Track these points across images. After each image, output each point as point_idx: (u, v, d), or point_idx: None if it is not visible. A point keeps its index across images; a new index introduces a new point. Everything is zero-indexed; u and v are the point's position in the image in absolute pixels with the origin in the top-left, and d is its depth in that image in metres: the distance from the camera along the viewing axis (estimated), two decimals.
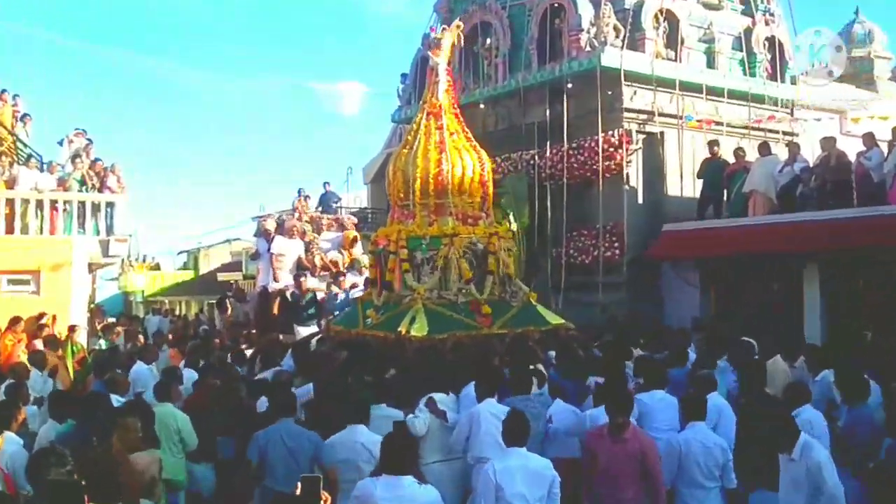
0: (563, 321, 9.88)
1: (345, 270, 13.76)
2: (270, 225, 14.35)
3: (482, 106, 17.07)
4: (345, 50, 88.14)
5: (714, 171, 14.76)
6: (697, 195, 15.04)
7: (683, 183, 15.33)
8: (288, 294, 13.44)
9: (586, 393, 7.53)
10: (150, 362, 10.17)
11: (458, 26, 10.65)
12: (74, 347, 12.47)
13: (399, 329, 8.79)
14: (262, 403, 7.26)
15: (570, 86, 15.26)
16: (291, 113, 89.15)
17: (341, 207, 23.14)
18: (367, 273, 12.64)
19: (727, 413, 6.94)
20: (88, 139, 17.45)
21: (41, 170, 16.40)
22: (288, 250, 13.87)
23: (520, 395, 6.90)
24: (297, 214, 16.46)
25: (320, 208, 20.40)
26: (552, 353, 8.95)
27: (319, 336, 10.75)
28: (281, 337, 12.29)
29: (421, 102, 10.55)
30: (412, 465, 5.04)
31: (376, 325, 9.40)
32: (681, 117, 15.40)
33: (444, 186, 9.79)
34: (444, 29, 10.77)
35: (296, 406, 6.61)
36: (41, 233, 15.61)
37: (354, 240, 14.23)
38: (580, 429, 6.73)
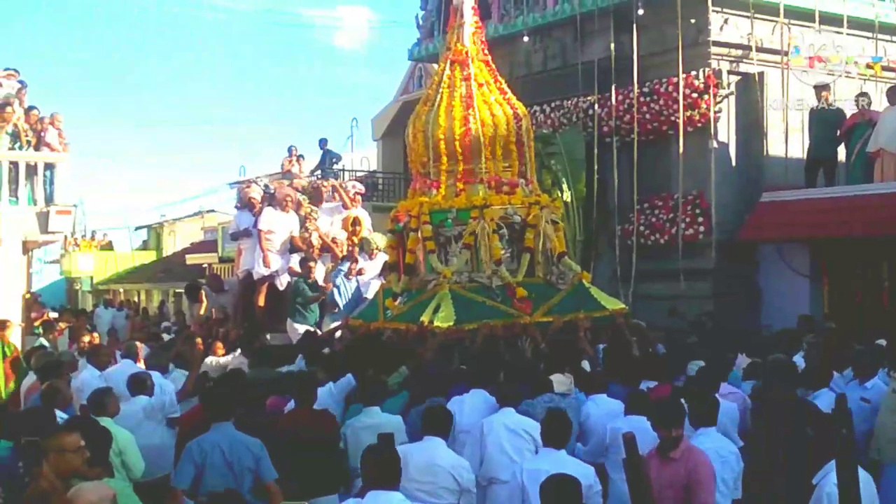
0: (622, 306, 10.18)
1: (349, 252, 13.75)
2: (255, 193, 14.33)
3: (526, 38, 17.00)
4: None
5: (825, 124, 14.59)
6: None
7: (789, 140, 15.17)
8: (279, 282, 13.47)
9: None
10: (102, 367, 10.26)
11: None
12: (6, 349, 12.59)
13: (421, 319, 9.10)
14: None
15: (640, 12, 15.14)
16: (276, 48, 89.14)
17: (344, 170, 23.14)
18: (379, 255, 12.79)
19: None
20: (21, 82, 17.55)
21: None
22: (279, 226, 13.85)
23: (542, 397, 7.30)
24: (289, 179, 16.45)
25: (318, 172, 20.41)
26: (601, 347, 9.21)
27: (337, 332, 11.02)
28: (268, 337, 12.34)
29: (443, 49, 10.96)
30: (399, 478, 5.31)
31: (397, 317, 9.69)
32: (786, 53, 15.21)
33: (473, 148, 10.05)
34: None
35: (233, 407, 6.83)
36: None
37: (356, 221, 14.20)
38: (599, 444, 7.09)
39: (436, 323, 9.07)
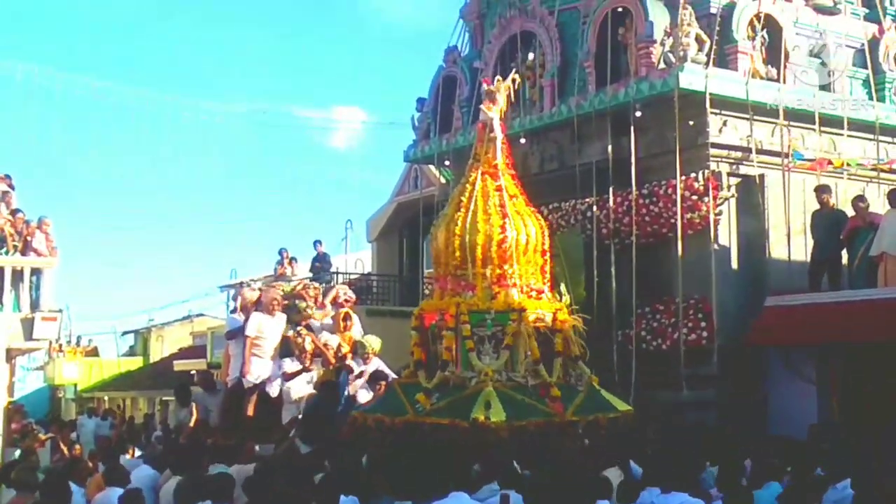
0: (629, 408, 10.97)
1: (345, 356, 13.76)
2: (252, 295, 14.44)
3: (523, 140, 17.22)
4: (335, 65, 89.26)
5: (827, 227, 14.73)
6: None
7: (792, 242, 15.29)
8: (271, 389, 13.44)
9: None
10: (84, 482, 10.19)
11: (513, 79, 11.98)
12: None
13: (474, 416, 9.74)
14: None
15: (638, 114, 15.41)
16: (269, 149, 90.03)
17: (338, 273, 23.30)
18: (374, 360, 13.22)
19: None
20: (10, 185, 17.80)
21: None
22: (269, 331, 13.89)
23: None
24: (285, 283, 16.55)
25: (310, 275, 20.53)
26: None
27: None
28: (257, 448, 12.24)
29: (472, 160, 11.74)
30: None
31: (434, 412, 10.24)
32: (786, 155, 15.43)
33: (509, 255, 10.99)
34: (498, 79, 12.06)
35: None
36: None
37: (347, 317, 14.27)
38: None
39: (491, 418, 9.64)
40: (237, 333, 14.13)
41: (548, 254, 11.59)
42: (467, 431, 9.69)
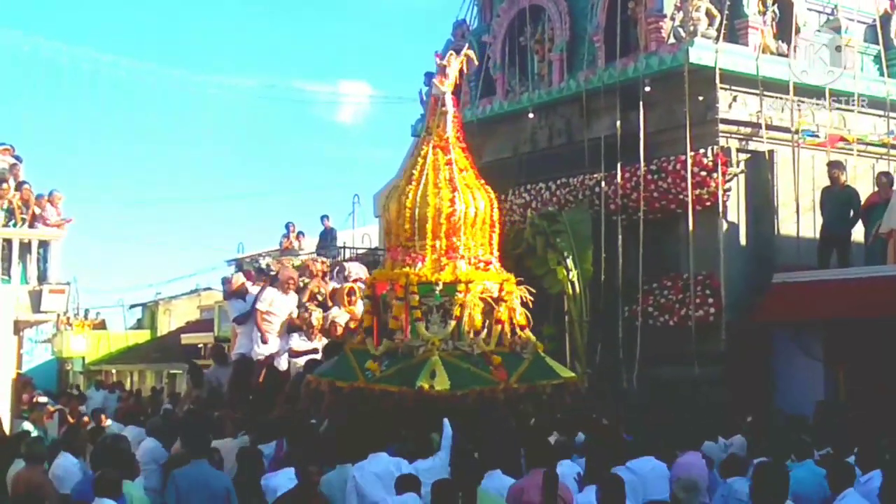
0: (573, 374, 11.59)
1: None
2: (238, 280, 14.64)
3: (531, 115, 17.25)
4: (343, 40, 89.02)
5: (838, 204, 14.70)
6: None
7: (801, 219, 15.29)
8: (279, 363, 13.55)
9: None
10: (80, 453, 10.33)
11: (466, 54, 12.41)
12: None
13: (419, 384, 10.19)
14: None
15: (648, 89, 15.37)
16: (276, 124, 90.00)
17: (345, 247, 23.31)
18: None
19: None
20: (16, 157, 17.82)
21: None
22: (280, 307, 14.03)
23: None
24: (290, 256, 16.66)
25: (315, 251, 20.57)
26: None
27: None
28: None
29: (424, 133, 12.19)
30: None
31: (383, 379, 10.71)
32: (796, 131, 15.41)
33: (458, 227, 11.39)
34: (450, 55, 12.32)
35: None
36: None
37: (351, 291, 14.36)
38: None
39: (435, 387, 10.08)
40: (245, 318, 14.28)
41: (497, 226, 11.96)
42: (413, 399, 10.17)
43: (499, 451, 8.63)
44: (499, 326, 11.24)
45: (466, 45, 15.11)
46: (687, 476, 8.22)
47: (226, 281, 16.22)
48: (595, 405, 12.31)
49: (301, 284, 14.73)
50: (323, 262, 16.36)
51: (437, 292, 11.08)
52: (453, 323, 11.00)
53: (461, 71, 12.56)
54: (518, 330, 11.48)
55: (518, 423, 10.24)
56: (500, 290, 11.41)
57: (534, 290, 12.00)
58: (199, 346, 29.48)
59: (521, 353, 11.28)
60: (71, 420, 15.77)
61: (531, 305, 11.74)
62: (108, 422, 14.50)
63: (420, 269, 11.21)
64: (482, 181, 11.91)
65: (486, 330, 11.26)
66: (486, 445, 8.71)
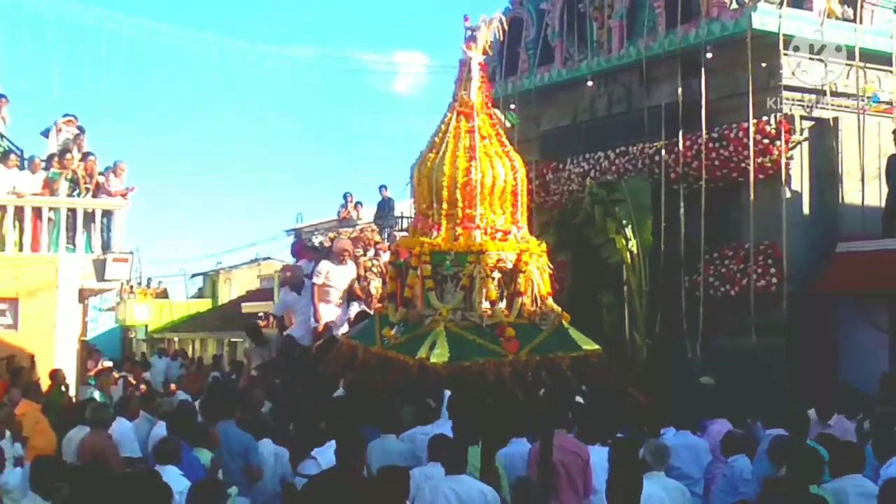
0: (596, 347, 10.84)
1: None
2: (295, 273, 14.79)
3: (590, 83, 17.10)
4: (398, 8, 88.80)
5: None
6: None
7: (866, 187, 15.05)
8: (338, 333, 13.65)
9: None
10: (133, 418, 10.60)
11: (499, 19, 11.77)
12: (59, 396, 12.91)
13: (419, 354, 10.04)
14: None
15: (709, 56, 15.18)
16: (333, 94, 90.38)
17: (402, 217, 23.38)
18: None
19: None
20: (80, 128, 18.07)
21: (21, 168, 16.99)
22: (336, 280, 14.07)
23: None
24: (349, 227, 16.76)
25: (373, 221, 20.66)
26: None
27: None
28: None
29: (451, 101, 11.57)
30: None
31: (395, 346, 10.64)
32: (862, 98, 15.14)
33: (473, 197, 11.05)
34: (481, 20, 11.86)
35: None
36: (20, 249, 16.18)
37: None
38: None
39: (432, 359, 9.85)
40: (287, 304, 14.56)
41: (521, 193, 11.42)
42: (416, 368, 10.06)
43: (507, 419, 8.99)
44: (519, 299, 10.85)
45: (524, 12, 14.91)
46: (659, 442, 8.66)
47: (284, 268, 16.36)
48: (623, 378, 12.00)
49: (357, 255, 14.81)
50: (373, 230, 16.43)
51: (447, 262, 10.85)
52: (462, 293, 10.73)
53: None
54: (540, 301, 11.17)
55: (528, 393, 10.21)
56: (518, 260, 11.07)
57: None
58: (260, 314, 29.81)
59: (540, 324, 10.94)
60: (140, 387, 16.16)
61: (551, 276, 11.62)
62: (179, 393, 14.77)
63: (434, 238, 10.94)
64: (507, 149, 11.43)
65: (504, 301, 10.90)
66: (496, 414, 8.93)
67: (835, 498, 7.18)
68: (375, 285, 14.31)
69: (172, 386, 15.42)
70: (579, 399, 10.49)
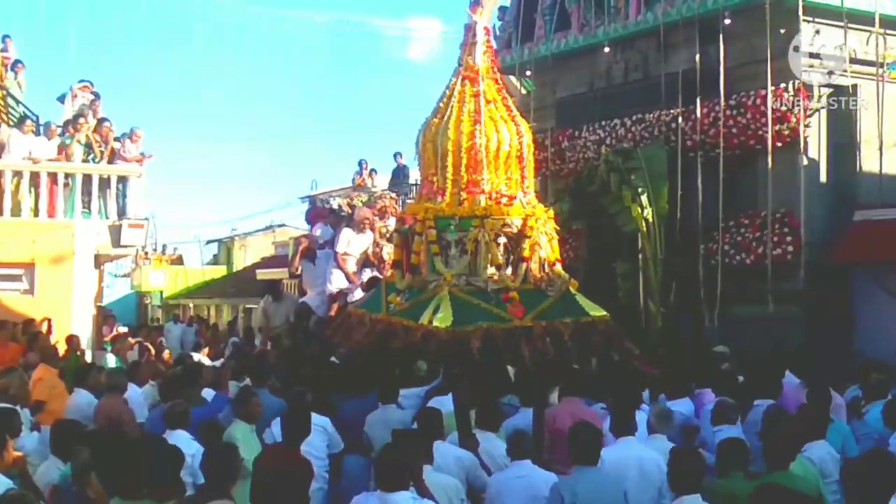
0: (604, 313, 10.68)
1: None
2: (306, 243, 14.90)
3: (607, 49, 17.01)
4: None
5: None
6: None
7: (884, 155, 14.93)
8: (351, 297, 13.70)
9: None
10: (143, 384, 10.67)
11: None
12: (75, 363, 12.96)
13: (422, 320, 10.07)
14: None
15: (727, 22, 15.07)
16: (347, 60, 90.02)
17: (417, 184, 23.32)
18: None
19: None
20: (95, 93, 18.05)
21: (37, 133, 17.02)
22: (355, 248, 14.20)
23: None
24: (363, 193, 16.74)
25: (388, 188, 20.64)
26: None
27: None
28: None
29: (456, 66, 11.56)
30: (410, 479, 6.45)
31: (400, 313, 10.63)
32: (881, 65, 15.01)
33: (478, 161, 10.96)
34: None
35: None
36: (36, 215, 16.23)
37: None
38: None
39: (435, 323, 9.86)
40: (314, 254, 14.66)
41: (527, 158, 11.34)
42: (420, 334, 10.03)
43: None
44: (524, 264, 10.81)
45: None
46: (664, 406, 9.04)
47: (297, 242, 16.41)
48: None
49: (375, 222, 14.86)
50: (392, 198, 16.42)
51: (451, 227, 10.78)
52: (466, 258, 10.68)
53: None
54: (547, 267, 11.09)
55: (534, 359, 10.11)
56: (524, 225, 10.99)
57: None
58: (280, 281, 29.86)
59: (547, 289, 10.88)
60: (163, 353, 16.31)
61: (557, 241, 11.60)
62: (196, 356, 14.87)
63: (439, 203, 10.92)
64: (513, 113, 11.37)
65: (510, 266, 10.85)
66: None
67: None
68: (388, 251, 14.33)
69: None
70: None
